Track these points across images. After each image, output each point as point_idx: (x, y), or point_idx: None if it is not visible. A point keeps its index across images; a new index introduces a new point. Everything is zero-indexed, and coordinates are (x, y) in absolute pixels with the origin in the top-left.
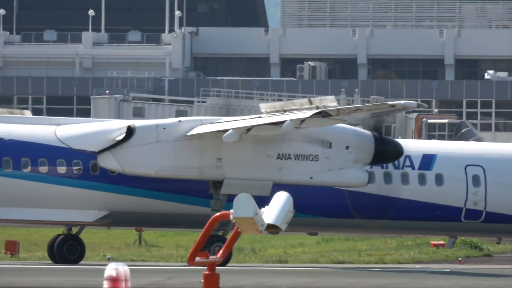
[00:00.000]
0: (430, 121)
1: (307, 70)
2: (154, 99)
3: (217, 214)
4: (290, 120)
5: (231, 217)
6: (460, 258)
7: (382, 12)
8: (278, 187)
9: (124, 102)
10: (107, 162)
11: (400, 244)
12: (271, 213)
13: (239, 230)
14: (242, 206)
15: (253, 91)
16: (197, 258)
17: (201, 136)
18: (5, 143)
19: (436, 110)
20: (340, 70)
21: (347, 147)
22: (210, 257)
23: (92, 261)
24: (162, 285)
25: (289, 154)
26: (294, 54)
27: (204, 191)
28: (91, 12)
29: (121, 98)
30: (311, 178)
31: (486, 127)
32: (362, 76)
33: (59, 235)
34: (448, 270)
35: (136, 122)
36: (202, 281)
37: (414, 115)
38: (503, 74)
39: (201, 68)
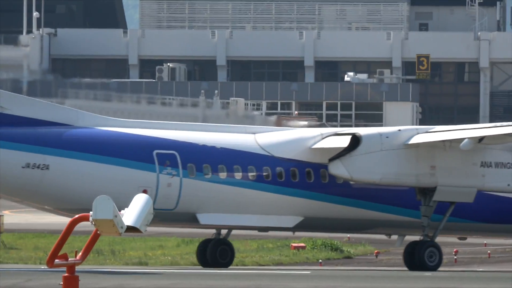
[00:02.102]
0: (290, 123)
1: (167, 72)
2: None
3: (76, 216)
4: None
5: (90, 219)
6: (320, 260)
7: (241, 13)
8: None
9: None
10: (337, 170)
11: (260, 246)
12: (130, 215)
13: (98, 232)
14: (101, 208)
15: (111, 93)
16: (56, 260)
17: (418, 145)
18: (218, 151)
19: (296, 112)
20: (200, 71)
21: None
22: (70, 259)
23: None
24: (21, 287)
25: (490, 162)
26: (153, 56)
27: (390, 198)
28: None
29: None
30: (508, 185)
31: None
32: (221, 77)
33: (208, 240)
34: (309, 272)
35: (360, 131)
36: (62, 283)
37: (274, 117)
38: (363, 76)
39: (60, 70)
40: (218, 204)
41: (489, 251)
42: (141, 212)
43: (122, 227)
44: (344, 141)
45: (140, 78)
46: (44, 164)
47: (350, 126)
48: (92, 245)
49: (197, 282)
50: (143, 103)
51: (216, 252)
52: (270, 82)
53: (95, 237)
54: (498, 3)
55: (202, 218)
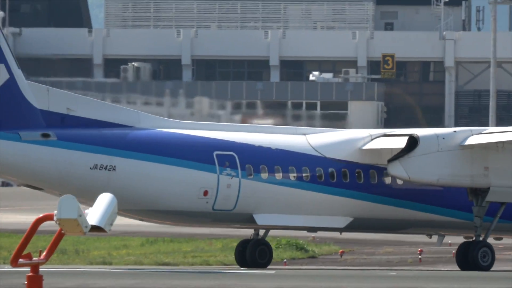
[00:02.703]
0: (254, 122)
1: (131, 71)
2: None
3: (41, 215)
4: None
5: (55, 218)
6: (285, 260)
7: (206, 13)
8: None
9: None
10: (396, 170)
11: (225, 246)
12: (95, 214)
13: (63, 231)
14: (66, 208)
15: (76, 92)
16: (20, 260)
17: (472, 146)
18: (273, 152)
19: (261, 111)
20: (165, 71)
21: None
22: (34, 259)
23: None
24: None
25: None
26: (118, 55)
27: (437, 199)
28: None
29: None
30: None
31: None
32: (186, 77)
33: (247, 240)
34: (274, 271)
35: (418, 132)
36: (26, 282)
37: (239, 116)
38: (328, 75)
39: (24, 69)
40: (274, 204)
41: (453, 251)
42: (105, 211)
43: (86, 227)
44: (399, 142)
45: (104, 77)
46: (111, 165)
47: (314, 126)
48: (56, 245)
49: (161, 282)
50: (108, 102)
51: (255, 252)
52: (235, 82)
53: (59, 236)
54: (463, 2)
55: (259, 219)
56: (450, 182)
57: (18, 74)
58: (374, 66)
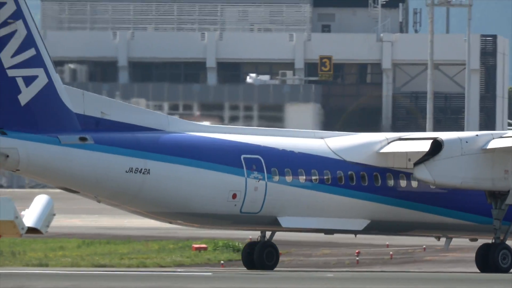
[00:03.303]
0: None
1: (68, 73)
2: None
3: None
4: None
5: None
6: (222, 262)
7: (143, 14)
8: None
9: None
10: (422, 174)
11: (162, 247)
12: (31, 216)
13: None
14: (2, 210)
15: None
16: None
17: (494, 150)
18: (296, 156)
19: (198, 113)
20: (101, 73)
21: None
22: None
23: None
24: None
25: None
26: (54, 57)
27: (453, 202)
28: None
29: None
30: None
31: None
32: (123, 79)
33: (254, 242)
34: (211, 273)
35: (442, 136)
36: None
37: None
38: (265, 78)
39: None
40: (298, 207)
41: (391, 252)
42: (42, 213)
43: (23, 228)
44: (415, 146)
45: None
46: (145, 169)
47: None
48: None
49: (98, 284)
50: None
51: (263, 255)
52: (172, 84)
53: None
54: (400, 4)
55: (283, 221)
56: (473, 185)
57: (56, 78)
58: (311, 68)
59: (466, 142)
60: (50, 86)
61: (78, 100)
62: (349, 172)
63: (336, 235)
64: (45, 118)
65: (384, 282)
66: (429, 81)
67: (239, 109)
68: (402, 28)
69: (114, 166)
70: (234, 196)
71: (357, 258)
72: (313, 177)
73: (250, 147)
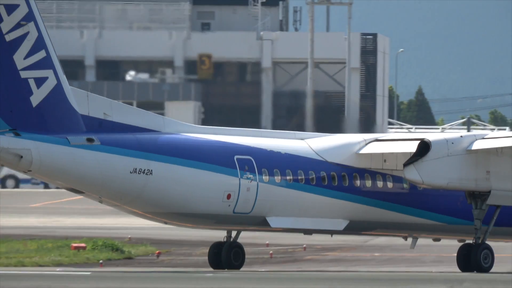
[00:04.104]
0: None
1: None
2: None
3: None
4: None
5: None
6: (101, 261)
7: None
8: None
9: None
10: (411, 174)
11: (40, 246)
12: None
13: None
14: None
15: None
16: None
17: (477, 151)
18: (283, 157)
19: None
20: None
21: None
22: None
23: None
24: None
25: None
26: None
27: (429, 203)
28: None
29: None
30: None
31: None
32: None
33: (220, 243)
34: (89, 273)
35: (429, 137)
36: None
37: None
38: (144, 76)
39: None
40: (286, 207)
41: (271, 251)
42: None
43: None
44: (392, 147)
45: None
46: (148, 169)
47: None
48: None
49: None
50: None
51: (230, 255)
52: None
53: None
54: (280, 3)
55: (272, 221)
56: (458, 185)
57: (64, 79)
58: (191, 66)
59: (452, 143)
60: (59, 88)
61: (83, 101)
62: (332, 173)
63: (215, 234)
64: (54, 119)
65: (264, 282)
66: (309, 80)
67: None
68: (282, 26)
69: (119, 166)
70: (229, 196)
71: None
72: (299, 178)
73: (241, 148)
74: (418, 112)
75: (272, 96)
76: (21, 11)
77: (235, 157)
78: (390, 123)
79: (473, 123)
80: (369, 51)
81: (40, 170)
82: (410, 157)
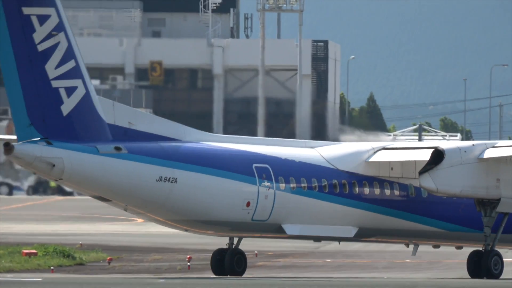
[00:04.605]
0: None
1: None
2: None
3: None
4: None
5: None
6: (52, 267)
7: None
8: None
9: None
10: (426, 182)
11: None
12: None
13: None
14: None
15: None
16: None
17: (488, 159)
18: (298, 165)
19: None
20: None
21: None
22: None
23: None
24: None
25: None
26: None
27: (438, 211)
28: None
29: None
30: None
31: None
32: None
33: (223, 249)
34: (41, 279)
35: (442, 145)
36: None
37: (5, 122)
38: (95, 82)
39: None
40: (301, 215)
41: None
42: None
43: None
44: (400, 156)
45: None
46: (173, 178)
47: None
48: None
49: None
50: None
51: (233, 261)
52: None
53: None
54: (231, 9)
55: (288, 229)
56: (470, 193)
57: (91, 89)
58: (142, 73)
59: (465, 151)
60: (87, 97)
61: (109, 110)
62: (343, 181)
63: (166, 240)
64: (83, 127)
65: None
66: (260, 87)
67: None
68: (233, 33)
69: (146, 175)
70: (248, 204)
71: (189, 264)
72: (313, 186)
73: (258, 156)
74: (370, 119)
75: (223, 103)
76: (52, 21)
77: (254, 165)
78: (341, 129)
79: (425, 130)
80: (320, 58)
81: (71, 178)
82: (425, 165)
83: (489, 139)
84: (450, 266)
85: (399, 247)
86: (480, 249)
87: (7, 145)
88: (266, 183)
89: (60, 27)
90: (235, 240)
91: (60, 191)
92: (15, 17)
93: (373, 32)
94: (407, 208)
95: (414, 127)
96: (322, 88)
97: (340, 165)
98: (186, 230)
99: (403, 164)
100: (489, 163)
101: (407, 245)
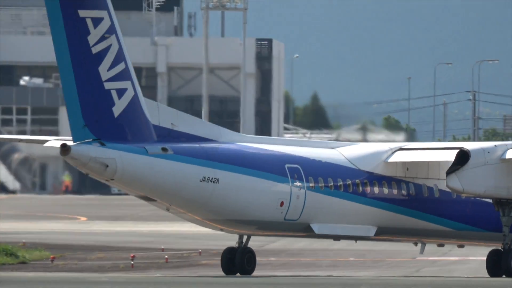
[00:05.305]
0: None
1: None
2: None
3: None
4: None
5: None
6: None
7: None
8: None
9: None
10: (453, 183)
11: None
12: None
13: None
14: None
15: None
16: None
17: (509, 160)
18: (324, 165)
19: None
20: None
21: None
22: None
23: None
24: None
25: None
26: None
27: (449, 210)
28: None
29: None
30: None
31: (22, 134)
32: None
33: (232, 248)
34: None
35: (467, 146)
36: None
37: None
38: (38, 81)
39: None
40: (328, 214)
41: (166, 256)
42: None
43: None
44: (415, 156)
45: None
46: (215, 178)
47: (26, 131)
48: None
49: None
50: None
51: (244, 260)
52: None
53: None
54: (175, 8)
55: (316, 228)
56: (493, 193)
57: (139, 90)
58: None
59: (488, 152)
60: (136, 98)
61: (153, 111)
62: (364, 180)
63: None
64: (132, 129)
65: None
66: (204, 85)
67: (12, 112)
68: (177, 31)
69: (191, 175)
70: (282, 203)
71: (132, 262)
72: (339, 185)
73: (289, 156)
74: (314, 117)
75: (167, 101)
76: (105, 24)
77: (286, 165)
78: (286, 128)
79: (368, 129)
80: (264, 57)
81: (122, 179)
82: (451, 166)
83: (433, 138)
84: (394, 264)
85: (343, 245)
86: (499, 248)
87: (64, 146)
88: (298, 183)
89: (112, 30)
90: (244, 238)
91: (3, 189)
92: (72, 20)
93: (317, 31)
94: (423, 207)
95: (358, 126)
96: (266, 86)
97: (361, 165)
98: (221, 230)
99: (421, 164)
100: (510, 164)
101: (416, 244)
